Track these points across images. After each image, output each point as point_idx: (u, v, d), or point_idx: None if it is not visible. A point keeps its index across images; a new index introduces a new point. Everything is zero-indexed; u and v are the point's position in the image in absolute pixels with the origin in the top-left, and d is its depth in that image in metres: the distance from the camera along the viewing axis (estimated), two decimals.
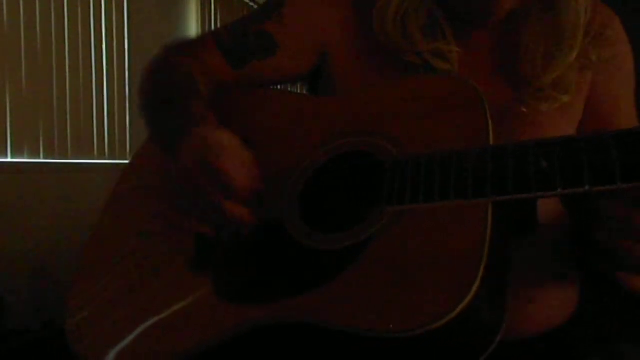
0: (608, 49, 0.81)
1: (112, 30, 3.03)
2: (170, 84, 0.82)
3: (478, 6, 0.78)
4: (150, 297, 0.75)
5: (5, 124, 2.51)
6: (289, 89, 0.97)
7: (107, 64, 3.00)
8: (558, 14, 0.77)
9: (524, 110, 0.76)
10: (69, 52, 2.79)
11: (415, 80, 0.77)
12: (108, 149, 3.02)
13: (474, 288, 0.53)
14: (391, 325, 0.54)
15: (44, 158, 2.69)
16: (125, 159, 3.06)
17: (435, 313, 0.52)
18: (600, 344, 0.84)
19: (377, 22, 0.81)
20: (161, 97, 0.83)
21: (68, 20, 2.78)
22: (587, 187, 0.53)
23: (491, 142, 0.63)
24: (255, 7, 3.90)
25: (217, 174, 0.67)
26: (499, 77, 0.80)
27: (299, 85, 1.15)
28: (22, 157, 2.60)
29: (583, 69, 0.80)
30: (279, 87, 0.93)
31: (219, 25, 3.90)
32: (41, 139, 2.68)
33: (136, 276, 0.79)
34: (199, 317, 0.69)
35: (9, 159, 2.54)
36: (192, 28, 3.64)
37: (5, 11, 2.49)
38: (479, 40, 0.82)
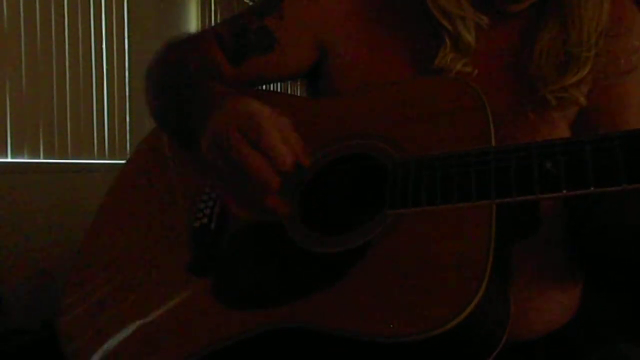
0: (628, 60, 0.78)
1: (112, 30, 3.02)
2: (185, 73, 0.81)
3: None
4: (145, 301, 0.74)
5: (5, 124, 2.50)
6: (289, 88, 0.96)
7: (107, 64, 2.99)
8: (568, 40, 0.75)
9: (531, 115, 0.75)
10: (69, 52, 2.78)
11: (417, 82, 0.77)
12: (108, 149, 3.02)
13: (482, 290, 0.52)
14: (391, 325, 0.54)
15: (44, 158, 2.69)
16: (125, 159, 3.06)
17: (443, 316, 0.52)
18: (600, 344, 0.84)
19: None
20: (178, 85, 0.80)
21: (68, 20, 2.78)
22: (592, 189, 0.53)
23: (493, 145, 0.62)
24: None
25: (258, 136, 0.62)
26: (511, 73, 0.79)
27: (298, 84, 1.15)
28: (22, 157, 2.60)
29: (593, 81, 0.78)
30: (278, 87, 0.92)
31: None
32: (41, 139, 2.67)
33: (131, 278, 0.78)
34: (197, 323, 0.68)
35: (9, 159, 2.54)
36: (192, 28, 3.63)
37: (5, 11, 2.48)
38: (501, 32, 0.80)
